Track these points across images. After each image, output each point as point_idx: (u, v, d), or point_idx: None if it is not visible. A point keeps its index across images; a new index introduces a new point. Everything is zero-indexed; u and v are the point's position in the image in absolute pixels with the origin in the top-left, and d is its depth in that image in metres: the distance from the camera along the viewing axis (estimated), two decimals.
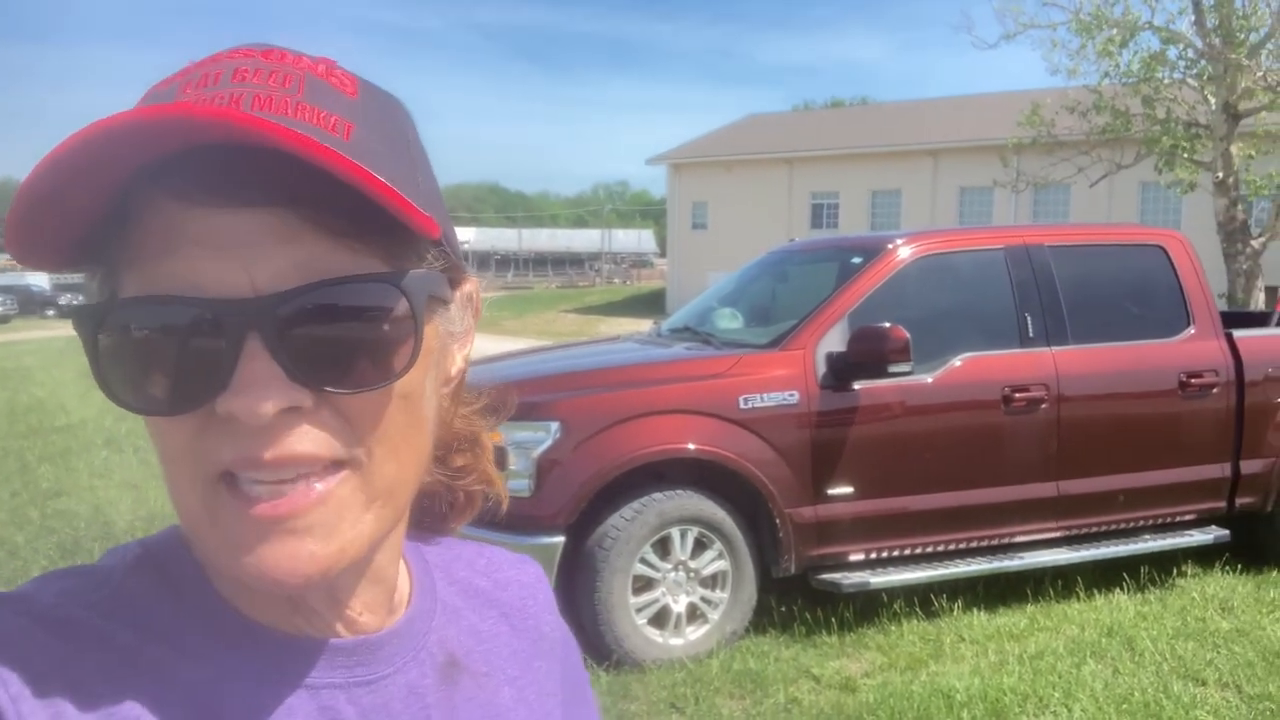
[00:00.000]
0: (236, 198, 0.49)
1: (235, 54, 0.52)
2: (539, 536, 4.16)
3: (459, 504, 0.71)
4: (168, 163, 0.48)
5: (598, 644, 4.23)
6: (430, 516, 0.70)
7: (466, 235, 68.78)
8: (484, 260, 65.47)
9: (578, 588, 4.24)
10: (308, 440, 0.50)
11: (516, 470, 4.22)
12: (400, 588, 0.64)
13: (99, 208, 0.50)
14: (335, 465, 0.51)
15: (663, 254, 51.84)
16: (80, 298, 0.56)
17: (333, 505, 0.51)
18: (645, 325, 6.37)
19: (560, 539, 4.17)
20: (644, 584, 4.30)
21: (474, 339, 0.64)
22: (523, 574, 0.75)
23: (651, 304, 35.26)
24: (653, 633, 4.31)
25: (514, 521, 4.22)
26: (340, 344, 0.51)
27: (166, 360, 0.50)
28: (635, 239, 75.39)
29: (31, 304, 43.32)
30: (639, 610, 4.29)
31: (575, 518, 4.20)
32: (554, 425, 4.23)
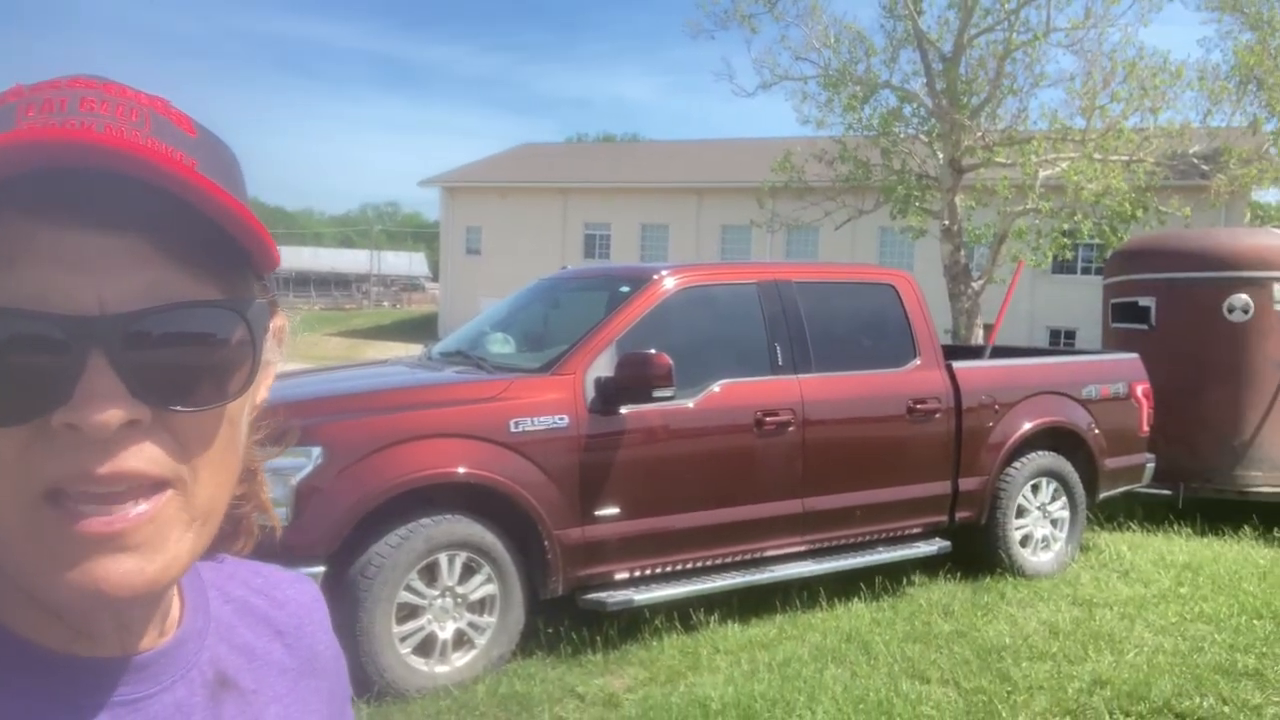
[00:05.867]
0: (92, 219, 0.50)
1: (76, 83, 0.53)
2: (295, 567, 3.98)
3: (238, 531, 0.73)
4: (20, 178, 0.49)
5: (359, 676, 4.11)
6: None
7: None
8: None
9: (339, 619, 4.10)
10: (142, 457, 0.51)
11: (272, 498, 4.03)
12: (172, 607, 0.65)
13: None
14: (161, 484, 0.53)
15: (435, 278, 50.95)
16: None
17: (159, 524, 0.53)
18: (416, 350, 6.27)
19: (320, 569, 4.02)
20: (409, 612, 4.23)
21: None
22: (300, 593, 0.77)
23: (423, 328, 34.51)
24: (417, 661, 4.24)
25: (269, 551, 4.01)
26: (182, 364, 0.53)
27: (5, 371, 0.49)
28: (406, 261, 73.46)
29: None
30: (403, 639, 4.20)
31: (337, 546, 4.07)
32: (315, 451, 4.09)
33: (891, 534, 5.65)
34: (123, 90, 0.54)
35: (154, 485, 0.53)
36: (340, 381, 5.26)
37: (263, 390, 0.66)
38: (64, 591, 0.51)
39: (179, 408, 0.53)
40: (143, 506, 0.52)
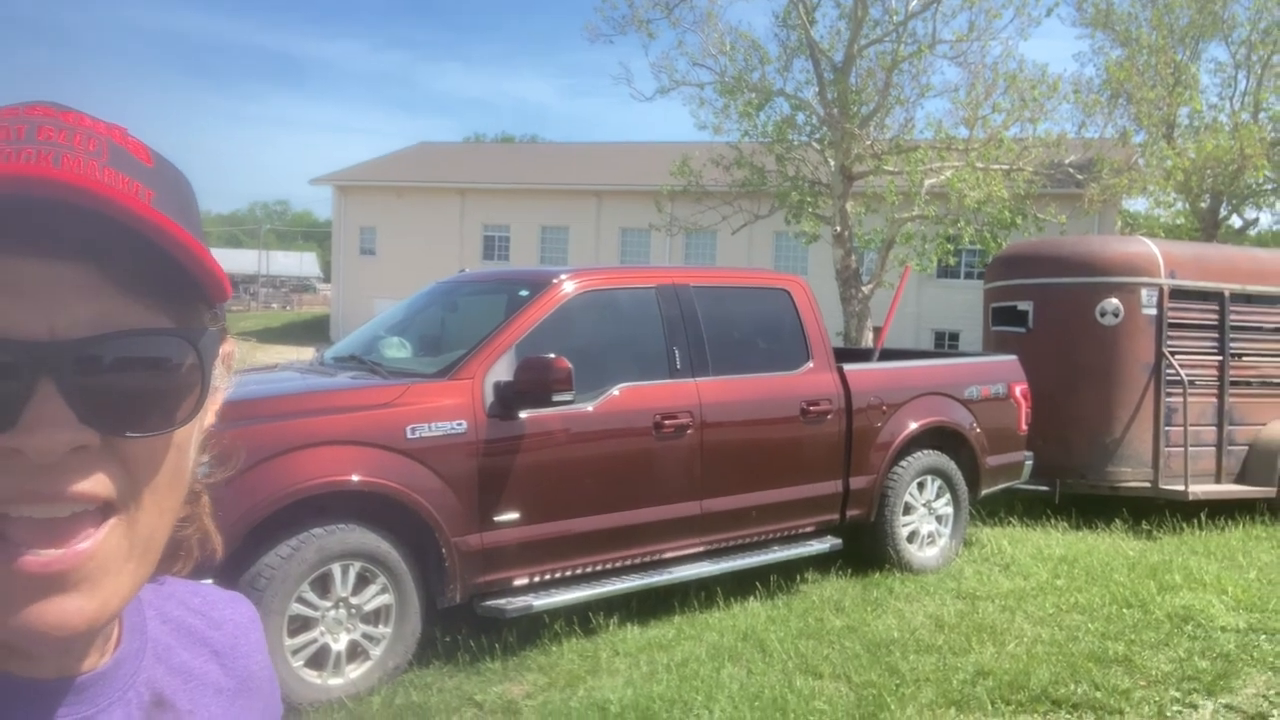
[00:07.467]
0: (47, 248, 0.51)
1: (34, 111, 0.54)
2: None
3: (177, 553, 0.73)
4: None
5: None
6: None
7: None
8: None
9: None
10: (88, 479, 0.52)
11: None
12: (112, 629, 0.65)
13: None
14: (106, 510, 0.53)
15: (327, 279, 49.64)
16: None
17: (100, 558, 0.53)
18: (308, 354, 6.11)
19: (207, 581, 3.88)
20: (301, 624, 4.12)
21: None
22: (236, 613, 0.78)
23: (315, 331, 33.63)
24: (310, 674, 4.14)
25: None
26: (132, 391, 0.54)
27: None
28: (297, 261, 71.43)
29: None
30: (295, 652, 4.10)
31: (224, 558, 3.93)
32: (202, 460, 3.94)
33: (786, 533, 5.78)
34: (80, 119, 0.55)
35: (99, 511, 0.53)
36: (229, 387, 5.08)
37: (210, 415, 0.66)
38: (4, 629, 0.52)
39: (128, 433, 0.54)
40: (85, 544, 0.53)
